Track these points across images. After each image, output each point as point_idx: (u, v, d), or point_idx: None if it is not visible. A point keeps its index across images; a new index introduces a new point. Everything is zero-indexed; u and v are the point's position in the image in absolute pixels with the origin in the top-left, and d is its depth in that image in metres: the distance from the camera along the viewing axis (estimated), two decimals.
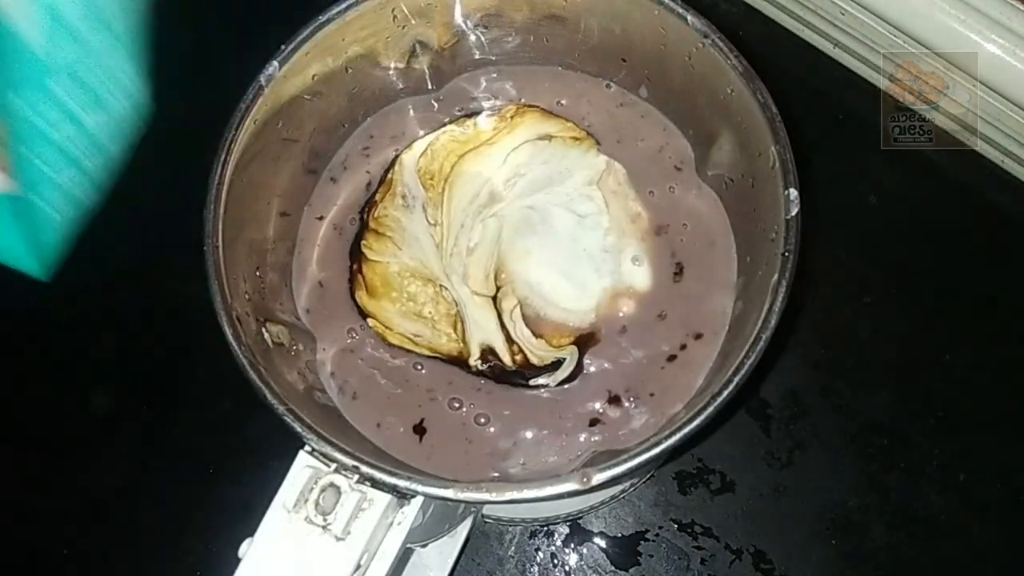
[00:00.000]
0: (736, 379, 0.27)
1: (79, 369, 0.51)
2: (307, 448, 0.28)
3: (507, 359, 0.35)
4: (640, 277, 0.36)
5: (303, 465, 0.27)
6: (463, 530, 0.40)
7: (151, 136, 0.54)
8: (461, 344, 0.36)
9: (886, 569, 0.45)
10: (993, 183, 0.51)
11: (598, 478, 0.26)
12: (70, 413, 0.49)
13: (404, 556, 0.36)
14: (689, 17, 0.31)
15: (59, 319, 0.52)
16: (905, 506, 0.45)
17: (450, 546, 0.40)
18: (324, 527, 0.26)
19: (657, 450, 0.26)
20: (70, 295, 0.53)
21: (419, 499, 0.28)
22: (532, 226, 0.37)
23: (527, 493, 0.26)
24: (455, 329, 0.36)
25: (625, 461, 0.26)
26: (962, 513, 0.45)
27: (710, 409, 0.27)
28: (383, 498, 0.27)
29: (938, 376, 0.48)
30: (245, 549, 0.27)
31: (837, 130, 0.53)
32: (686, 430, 0.27)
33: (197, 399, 0.49)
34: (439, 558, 0.40)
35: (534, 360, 0.35)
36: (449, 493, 0.26)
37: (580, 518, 0.46)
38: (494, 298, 0.36)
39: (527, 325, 0.36)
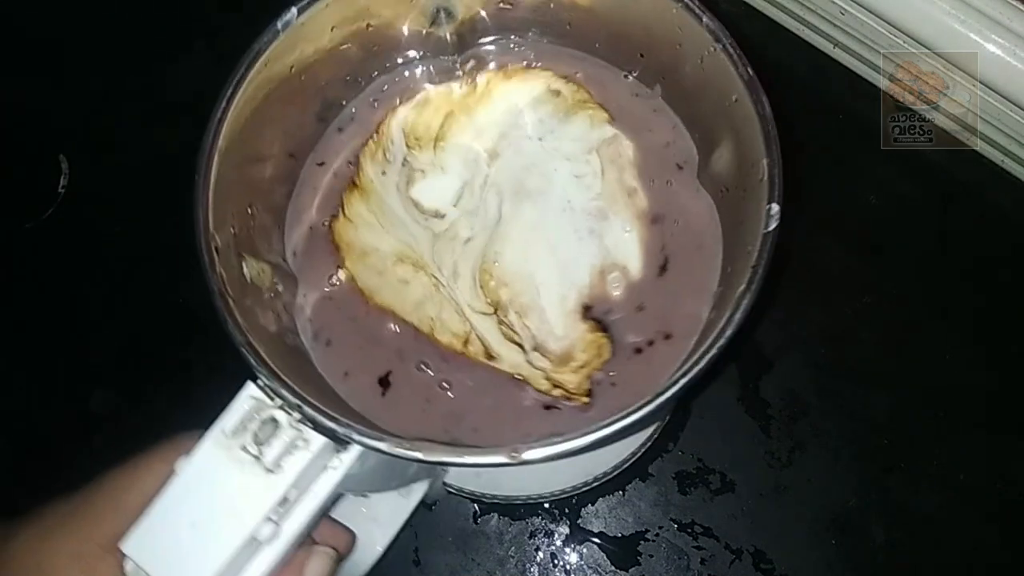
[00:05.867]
0: (681, 383, 0.27)
1: (79, 369, 0.51)
2: (260, 383, 0.28)
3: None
4: (632, 255, 0.36)
5: (248, 396, 0.28)
6: (417, 492, 0.40)
7: (150, 133, 0.54)
8: (495, 362, 0.35)
9: (886, 569, 0.45)
10: (993, 183, 0.51)
11: (527, 455, 0.26)
12: (70, 413, 0.49)
13: (357, 506, 0.39)
14: (704, 18, 0.31)
15: (59, 319, 0.52)
16: (905, 506, 0.45)
17: (402, 506, 0.40)
18: (257, 457, 0.27)
19: (587, 440, 0.27)
20: (70, 295, 0.53)
21: (356, 448, 0.28)
22: (527, 189, 0.37)
23: (455, 458, 0.27)
24: (467, 347, 0.35)
25: (556, 444, 0.27)
26: (962, 513, 0.45)
27: (649, 407, 0.27)
28: (319, 440, 0.28)
29: (938, 376, 0.48)
30: (181, 465, 0.28)
31: (837, 130, 0.53)
32: (617, 426, 0.27)
33: (197, 399, 0.49)
34: (390, 515, 0.40)
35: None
36: (383, 446, 0.27)
37: (580, 518, 0.46)
38: (499, 320, 0.36)
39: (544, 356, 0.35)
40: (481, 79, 0.39)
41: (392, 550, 0.46)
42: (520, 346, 0.35)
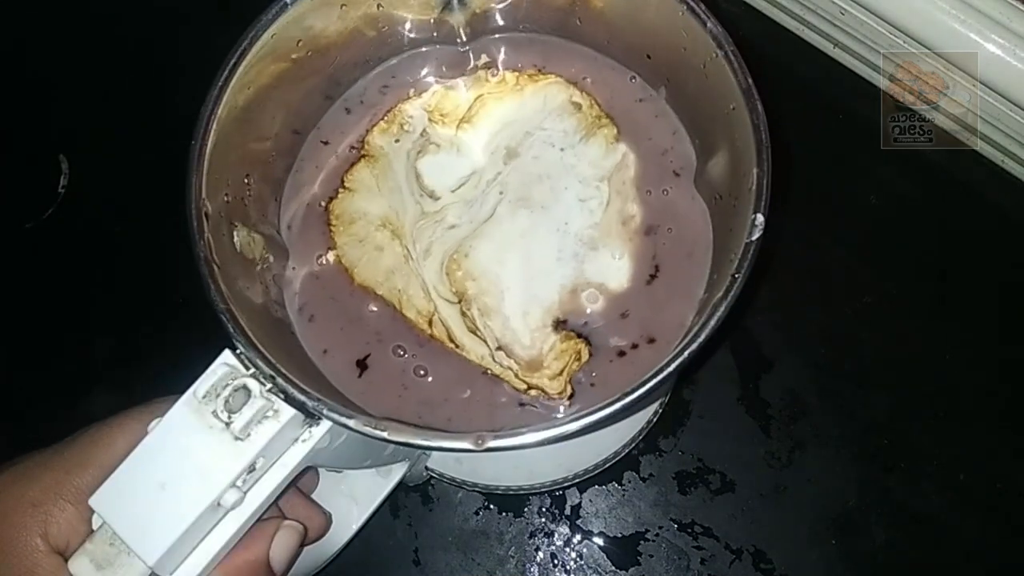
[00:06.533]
0: (646, 386, 0.27)
1: (79, 369, 0.51)
2: (237, 352, 0.28)
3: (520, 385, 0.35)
4: (617, 276, 0.36)
5: (223, 362, 0.28)
6: (396, 473, 0.41)
7: (150, 133, 0.54)
8: (462, 351, 0.36)
9: (886, 569, 0.45)
10: (993, 183, 0.51)
11: (492, 443, 0.27)
12: (70, 412, 0.49)
13: (336, 483, 0.39)
14: (708, 23, 0.31)
15: (59, 319, 0.52)
16: (905, 506, 0.45)
17: (380, 485, 0.41)
18: (227, 424, 0.28)
19: (552, 433, 0.27)
20: (70, 295, 0.53)
21: (326, 423, 0.29)
22: (532, 198, 0.37)
23: (422, 440, 0.27)
24: (432, 328, 0.36)
25: (520, 435, 0.27)
26: (962, 513, 0.45)
27: (611, 408, 0.27)
28: (288, 411, 0.28)
29: (938, 376, 0.48)
30: (153, 427, 0.28)
31: (837, 130, 0.53)
32: (582, 423, 0.27)
33: None
34: (367, 494, 0.41)
35: (550, 390, 0.35)
36: (351, 423, 0.27)
37: (580, 518, 0.46)
38: (462, 312, 0.36)
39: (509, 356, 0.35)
40: (510, 76, 0.40)
41: (392, 550, 0.46)
42: (484, 341, 0.36)
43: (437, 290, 0.36)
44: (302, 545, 0.33)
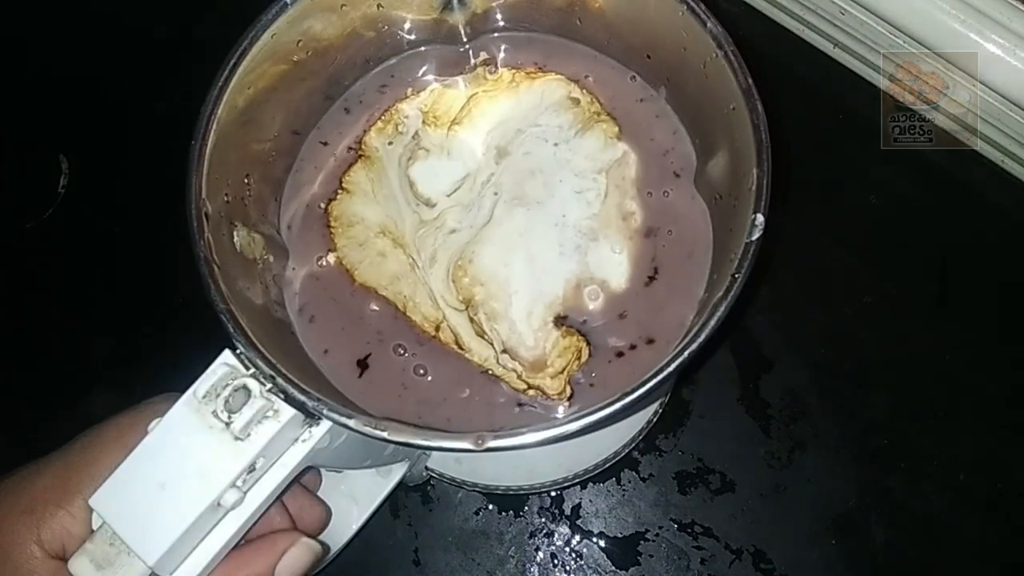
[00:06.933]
0: (646, 386, 0.27)
1: (79, 369, 0.51)
2: (237, 351, 0.29)
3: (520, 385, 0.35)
4: (617, 273, 0.36)
5: (223, 362, 0.28)
6: (396, 473, 0.41)
7: (150, 133, 0.54)
8: (467, 353, 0.36)
9: (886, 569, 0.45)
10: (993, 183, 0.51)
11: (492, 443, 0.27)
12: (70, 413, 0.49)
13: (336, 482, 0.40)
14: (708, 23, 0.31)
15: (59, 319, 0.52)
16: (905, 506, 0.45)
17: (380, 485, 0.41)
18: (226, 424, 0.28)
19: (552, 433, 0.27)
20: (70, 295, 0.53)
21: (326, 422, 0.29)
22: (527, 195, 0.37)
23: (422, 440, 0.27)
24: (438, 332, 0.36)
25: (520, 435, 0.27)
26: (962, 513, 0.45)
27: (611, 408, 0.27)
28: (288, 411, 0.28)
29: (938, 376, 0.48)
30: (153, 427, 0.28)
31: (837, 130, 0.53)
32: (582, 423, 0.27)
33: None
34: (367, 494, 0.41)
35: (550, 391, 0.35)
36: (352, 423, 0.28)
37: (580, 518, 0.46)
38: (469, 317, 0.36)
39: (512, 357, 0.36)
40: (507, 74, 0.40)
41: (392, 550, 0.46)
42: (490, 344, 0.36)
43: (445, 298, 0.36)
44: (316, 562, 0.32)
